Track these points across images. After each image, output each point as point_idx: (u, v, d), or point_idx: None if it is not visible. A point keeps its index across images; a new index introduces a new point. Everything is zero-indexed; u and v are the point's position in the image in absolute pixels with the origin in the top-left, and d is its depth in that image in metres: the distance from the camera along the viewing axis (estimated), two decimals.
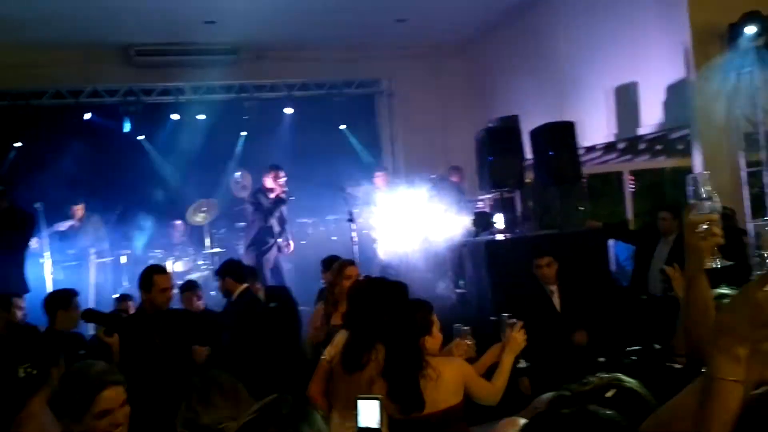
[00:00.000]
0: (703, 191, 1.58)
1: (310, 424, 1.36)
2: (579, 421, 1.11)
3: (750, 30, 5.60)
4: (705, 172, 1.63)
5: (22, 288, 5.84)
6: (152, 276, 4.06)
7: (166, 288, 4.07)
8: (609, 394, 1.42)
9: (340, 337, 3.28)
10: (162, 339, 3.98)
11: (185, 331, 4.11)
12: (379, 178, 8.88)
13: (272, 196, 7.66)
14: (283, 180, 7.66)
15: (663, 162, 9.87)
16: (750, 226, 5.97)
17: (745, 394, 1.10)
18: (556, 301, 4.85)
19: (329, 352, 3.29)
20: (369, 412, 1.71)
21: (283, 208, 7.71)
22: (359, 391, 3.10)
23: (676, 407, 1.26)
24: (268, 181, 7.72)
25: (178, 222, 8.76)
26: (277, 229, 7.75)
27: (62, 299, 4.45)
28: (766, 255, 1.40)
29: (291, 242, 7.97)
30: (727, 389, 1.09)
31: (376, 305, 3.11)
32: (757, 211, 5.90)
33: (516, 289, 5.15)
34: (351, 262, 4.61)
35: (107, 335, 3.74)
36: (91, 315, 4.25)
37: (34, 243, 7.17)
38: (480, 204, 7.98)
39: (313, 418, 1.38)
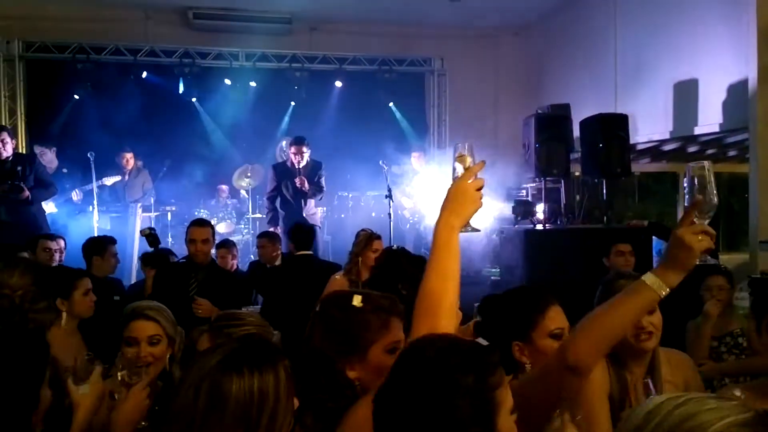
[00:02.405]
0: (710, 184, 1.51)
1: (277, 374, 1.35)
2: None
3: None
4: (708, 162, 1.54)
5: (40, 228, 5.98)
6: (188, 228, 4.30)
7: (194, 239, 4.20)
8: None
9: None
10: (197, 290, 4.11)
11: (220, 287, 4.19)
12: (416, 157, 8.87)
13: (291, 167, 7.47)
14: (294, 152, 7.40)
15: (721, 166, 9.56)
16: None
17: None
18: None
19: None
20: None
21: (296, 180, 7.38)
22: None
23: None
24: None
25: (224, 186, 8.94)
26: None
27: (98, 245, 4.63)
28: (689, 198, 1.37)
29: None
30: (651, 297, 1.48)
31: (395, 275, 3.20)
32: None
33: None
34: (378, 236, 4.72)
35: (145, 265, 3.93)
36: (150, 235, 4.55)
37: (74, 195, 7.42)
38: (522, 192, 7.90)
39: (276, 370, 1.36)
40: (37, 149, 7.82)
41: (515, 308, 1.94)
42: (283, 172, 7.45)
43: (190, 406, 1.29)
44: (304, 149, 7.37)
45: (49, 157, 7.76)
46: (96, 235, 6.30)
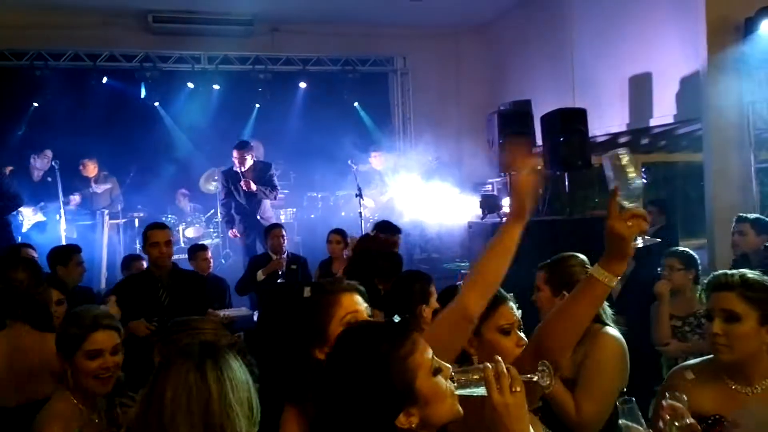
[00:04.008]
0: (629, 171, 1.59)
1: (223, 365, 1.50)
2: None
3: (766, 24, 5.58)
4: (623, 150, 1.62)
5: (8, 240, 5.93)
6: (146, 232, 4.14)
7: (157, 242, 4.04)
8: None
9: None
10: (169, 298, 4.04)
11: (192, 292, 4.13)
12: (376, 157, 8.97)
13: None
14: (235, 156, 7.48)
15: (676, 155, 9.90)
16: None
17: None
18: None
19: None
20: None
21: (241, 184, 7.46)
22: None
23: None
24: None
25: (183, 191, 8.89)
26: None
27: (62, 255, 4.57)
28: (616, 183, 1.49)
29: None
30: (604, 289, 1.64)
31: (370, 271, 3.34)
32: (765, 208, 5.94)
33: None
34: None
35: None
36: None
37: (29, 213, 7.33)
38: (488, 186, 8.07)
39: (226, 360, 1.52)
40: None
41: None
42: (232, 177, 7.53)
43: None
44: (245, 153, 7.46)
45: (41, 164, 7.63)
46: (63, 243, 6.24)
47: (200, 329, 2.09)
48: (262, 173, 7.56)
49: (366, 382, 1.28)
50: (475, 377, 1.36)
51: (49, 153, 7.73)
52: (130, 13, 8.95)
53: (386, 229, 5.30)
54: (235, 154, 7.44)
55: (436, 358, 1.36)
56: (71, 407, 2.15)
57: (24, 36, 8.57)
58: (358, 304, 1.88)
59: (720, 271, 2.08)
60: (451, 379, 1.36)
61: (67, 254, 4.60)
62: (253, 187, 7.38)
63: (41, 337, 2.61)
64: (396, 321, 1.42)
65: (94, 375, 2.17)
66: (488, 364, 1.36)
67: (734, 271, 2.03)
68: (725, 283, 1.99)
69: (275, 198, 7.78)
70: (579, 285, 1.71)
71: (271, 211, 7.82)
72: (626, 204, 1.58)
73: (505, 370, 1.36)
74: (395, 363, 1.30)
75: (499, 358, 1.39)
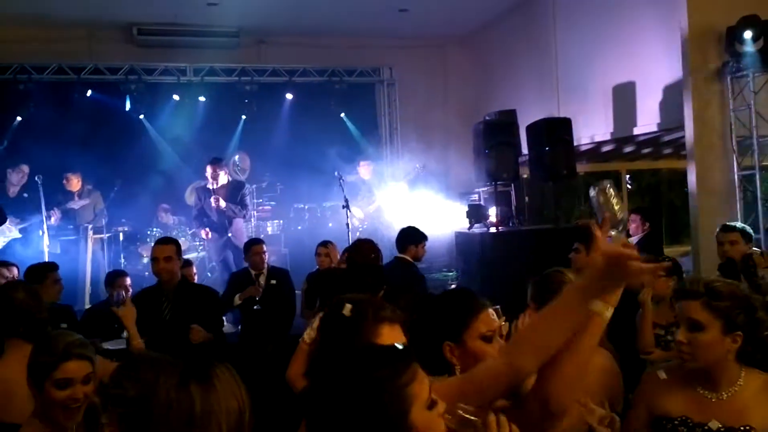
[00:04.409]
0: (614, 203, 1.62)
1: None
2: None
3: (748, 34, 5.65)
4: (608, 182, 1.66)
5: None
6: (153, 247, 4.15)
7: (155, 257, 4.03)
8: None
9: (319, 320, 3.41)
10: (171, 313, 4.01)
11: (197, 307, 4.07)
12: (364, 166, 8.97)
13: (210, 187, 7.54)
14: (208, 172, 7.49)
15: (660, 163, 9.99)
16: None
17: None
18: None
19: (309, 335, 3.41)
20: None
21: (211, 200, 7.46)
22: None
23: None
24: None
25: (165, 205, 8.80)
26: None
27: (37, 274, 4.45)
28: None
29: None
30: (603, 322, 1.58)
31: (353, 286, 3.32)
32: (748, 216, 5.99)
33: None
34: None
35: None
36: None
37: (53, 217, 7.25)
38: (474, 197, 8.08)
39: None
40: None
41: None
42: (205, 193, 7.53)
43: None
44: (218, 169, 7.46)
45: (16, 179, 7.55)
46: (45, 260, 6.16)
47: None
48: (234, 191, 7.57)
49: (359, 407, 1.25)
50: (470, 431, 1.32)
51: (25, 168, 7.64)
52: (115, 25, 8.93)
53: (411, 236, 5.34)
54: (208, 169, 7.45)
55: (433, 393, 1.33)
56: None
57: (7, 49, 8.51)
58: (397, 339, 1.74)
59: (687, 278, 2.11)
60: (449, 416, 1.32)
61: (41, 273, 4.47)
62: (222, 204, 7.38)
63: None
64: (399, 348, 1.38)
65: (62, 405, 2.11)
66: (491, 418, 1.32)
67: (701, 279, 2.08)
68: (690, 291, 2.01)
69: (245, 217, 7.77)
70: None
71: (244, 229, 7.82)
72: (612, 233, 1.61)
73: (505, 426, 1.32)
74: (392, 391, 1.26)
75: (503, 420, 1.34)
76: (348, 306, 1.69)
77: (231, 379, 1.54)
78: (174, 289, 4.07)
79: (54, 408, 2.11)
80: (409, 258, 5.37)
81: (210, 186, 7.40)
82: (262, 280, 5.63)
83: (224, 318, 5.21)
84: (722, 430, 1.94)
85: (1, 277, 4.71)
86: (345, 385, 1.28)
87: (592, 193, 1.66)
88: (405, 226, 5.65)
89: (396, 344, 1.44)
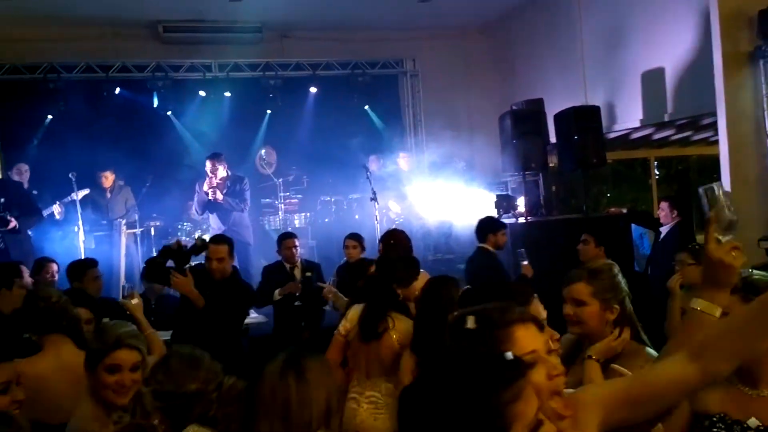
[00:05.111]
0: (725, 205, 1.60)
1: None
2: None
3: None
4: (718, 183, 1.65)
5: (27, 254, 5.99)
6: (207, 246, 4.31)
7: (209, 258, 4.25)
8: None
9: (354, 312, 3.48)
10: (208, 303, 4.14)
11: (230, 299, 4.23)
12: (404, 158, 9.00)
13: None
14: (207, 167, 7.62)
15: (689, 149, 9.85)
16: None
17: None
18: None
19: (344, 327, 3.50)
20: None
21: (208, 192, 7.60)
22: (379, 360, 3.33)
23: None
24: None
25: (192, 202, 8.90)
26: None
27: (77, 270, 4.60)
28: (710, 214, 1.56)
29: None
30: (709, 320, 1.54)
31: (388, 278, 3.45)
32: None
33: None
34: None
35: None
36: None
37: (56, 210, 7.35)
38: (502, 186, 8.06)
39: None
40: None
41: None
42: (202, 187, 7.66)
43: None
44: (218, 164, 7.58)
45: (18, 177, 7.68)
46: (82, 255, 6.28)
47: (189, 377, 2.12)
48: (233, 185, 7.70)
49: (454, 415, 1.17)
50: None
51: (23, 166, 7.76)
52: (141, 23, 9.03)
53: (490, 225, 5.45)
54: (207, 164, 7.58)
55: (545, 356, 1.28)
56: (94, 411, 2.32)
57: (36, 49, 8.66)
58: (536, 340, 1.54)
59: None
60: None
61: (82, 269, 4.62)
62: (219, 196, 7.52)
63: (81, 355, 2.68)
64: (509, 358, 1.26)
65: (111, 388, 2.30)
66: None
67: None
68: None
69: (243, 211, 7.82)
70: (684, 320, 1.62)
71: (248, 221, 7.92)
72: (721, 238, 1.57)
73: None
74: (492, 406, 1.17)
75: None
76: (470, 318, 1.52)
77: (321, 371, 1.80)
78: (218, 283, 4.23)
79: (104, 390, 2.30)
80: (489, 247, 5.42)
81: (208, 180, 7.56)
82: (297, 273, 5.67)
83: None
84: (762, 428, 1.86)
85: (48, 273, 4.84)
86: (444, 387, 1.22)
87: (701, 191, 1.63)
88: (483, 216, 5.75)
89: (506, 354, 1.26)
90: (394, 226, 7.70)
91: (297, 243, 5.80)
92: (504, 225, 5.58)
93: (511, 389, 1.18)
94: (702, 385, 1.48)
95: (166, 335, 4.12)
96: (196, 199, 7.81)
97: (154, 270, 4.30)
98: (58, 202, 7.38)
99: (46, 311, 2.83)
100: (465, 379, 1.20)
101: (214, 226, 7.79)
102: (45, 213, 7.31)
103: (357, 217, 8.74)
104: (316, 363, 1.84)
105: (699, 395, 1.94)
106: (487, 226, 5.49)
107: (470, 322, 1.46)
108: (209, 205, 7.68)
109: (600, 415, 1.42)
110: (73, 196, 7.40)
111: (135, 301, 3.55)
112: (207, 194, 7.59)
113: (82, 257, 6.64)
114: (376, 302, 3.40)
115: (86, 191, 7.60)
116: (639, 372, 1.56)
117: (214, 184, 7.58)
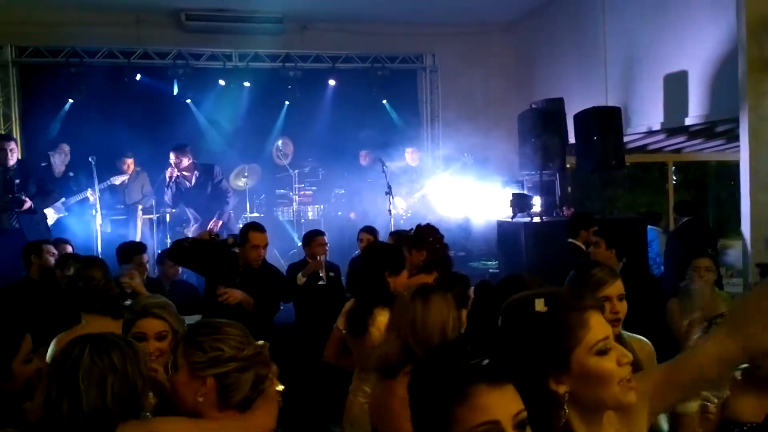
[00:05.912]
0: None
1: None
2: None
3: None
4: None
5: (42, 234, 6.05)
6: (248, 232, 4.23)
7: (257, 245, 4.19)
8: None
9: (348, 306, 3.44)
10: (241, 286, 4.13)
11: (268, 289, 4.23)
12: (410, 153, 8.98)
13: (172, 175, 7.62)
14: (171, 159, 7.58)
15: (708, 155, 9.73)
16: None
17: None
18: None
19: (341, 321, 3.45)
20: None
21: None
22: (366, 354, 3.12)
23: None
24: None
25: None
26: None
27: (125, 254, 4.95)
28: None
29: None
30: None
31: (373, 270, 3.33)
32: None
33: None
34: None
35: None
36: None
37: (90, 195, 7.42)
38: (516, 186, 8.02)
39: None
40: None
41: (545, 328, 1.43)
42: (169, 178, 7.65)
43: None
44: (182, 156, 7.52)
45: (59, 159, 7.76)
46: (99, 239, 6.34)
47: (226, 333, 2.00)
48: (204, 177, 7.68)
49: (528, 334, 1.36)
50: None
51: (66, 147, 7.83)
52: (164, 11, 9.09)
53: (582, 221, 5.44)
54: (171, 156, 7.51)
55: (614, 342, 1.34)
56: None
57: (60, 33, 8.75)
58: (606, 327, 1.43)
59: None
60: None
61: (129, 254, 5.00)
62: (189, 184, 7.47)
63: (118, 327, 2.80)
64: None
65: None
66: None
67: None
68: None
69: (228, 203, 7.83)
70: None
71: (230, 212, 7.92)
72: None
73: None
74: (557, 327, 1.34)
75: None
76: (540, 300, 1.42)
77: (443, 302, 2.45)
78: (253, 270, 4.21)
79: None
80: (580, 243, 5.37)
81: (172, 172, 7.53)
82: (321, 272, 5.60)
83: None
84: None
85: (54, 255, 4.88)
86: (520, 315, 1.40)
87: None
88: (575, 212, 5.68)
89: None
90: (401, 222, 7.70)
91: (326, 241, 5.72)
92: (596, 222, 5.51)
93: (574, 316, 1.35)
94: (745, 359, 1.52)
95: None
96: (167, 193, 7.73)
97: (179, 251, 4.28)
98: (89, 190, 7.42)
99: (85, 291, 3.02)
100: (546, 299, 1.38)
101: (191, 217, 7.78)
102: (78, 198, 7.38)
103: (369, 210, 8.73)
104: (438, 296, 2.46)
105: (730, 402, 1.95)
106: (579, 222, 5.44)
107: (539, 305, 1.41)
108: (182, 197, 7.65)
109: (647, 406, 1.45)
110: (113, 180, 7.50)
111: (135, 280, 3.73)
112: (168, 184, 7.55)
113: (98, 241, 6.74)
114: (363, 297, 3.32)
115: (125, 177, 7.69)
116: (679, 356, 1.51)
117: (176, 174, 7.53)
